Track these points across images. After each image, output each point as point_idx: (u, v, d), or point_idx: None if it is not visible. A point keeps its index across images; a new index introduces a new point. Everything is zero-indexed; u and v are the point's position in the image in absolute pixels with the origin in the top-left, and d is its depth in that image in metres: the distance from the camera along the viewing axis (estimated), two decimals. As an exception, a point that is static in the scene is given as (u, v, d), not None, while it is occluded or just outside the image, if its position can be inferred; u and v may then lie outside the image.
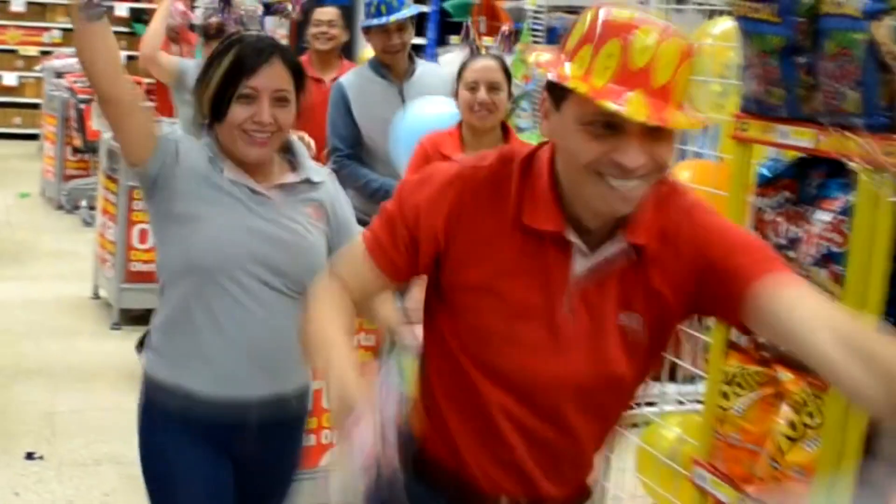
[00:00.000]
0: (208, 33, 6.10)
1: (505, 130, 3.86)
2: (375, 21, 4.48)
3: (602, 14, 1.66)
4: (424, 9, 6.42)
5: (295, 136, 2.65)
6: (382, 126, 4.40)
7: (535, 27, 4.58)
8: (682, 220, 1.79)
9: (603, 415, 1.88)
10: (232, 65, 2.45)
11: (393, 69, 4.54)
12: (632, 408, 1.96)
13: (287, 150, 2.61)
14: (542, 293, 1.78)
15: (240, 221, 2.46)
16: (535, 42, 4.56)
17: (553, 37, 4.57)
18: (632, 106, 1.59)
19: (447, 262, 1.83)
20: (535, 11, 4.58)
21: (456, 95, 3.79)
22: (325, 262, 2.48)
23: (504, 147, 1.90)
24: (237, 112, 2.44)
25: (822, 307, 1.65)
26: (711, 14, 3.77)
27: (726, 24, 3.33)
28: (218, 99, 2.45)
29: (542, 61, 1.75)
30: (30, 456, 4.63)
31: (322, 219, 2.58)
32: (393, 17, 4.44)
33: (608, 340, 1.80)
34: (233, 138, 2.46)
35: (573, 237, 1.77)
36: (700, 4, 3.76)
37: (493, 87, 3.73)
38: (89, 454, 4.71)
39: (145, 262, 6.30)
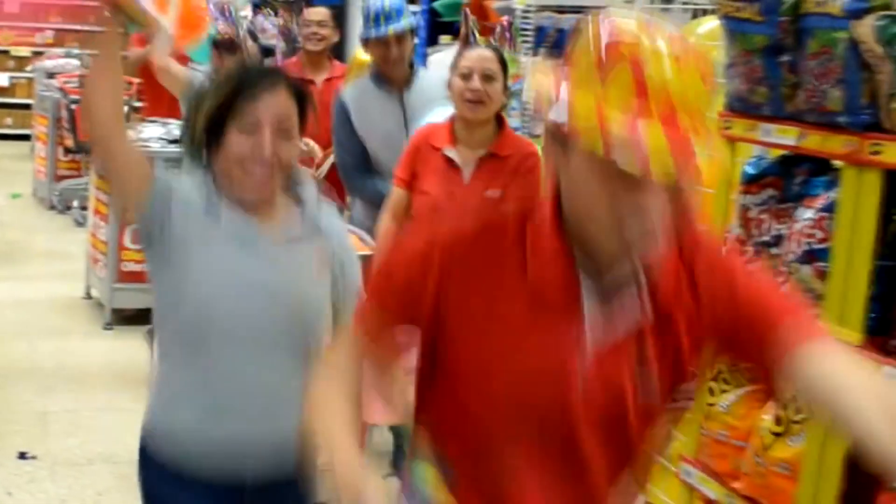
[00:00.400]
0: (222, 46, 6.03)
1: (500, 124, 3.72)
2: (374, 32, 4.39)
3: (604, 31, 1.49)
4: (414, 8, 6.43)
5: (304, 172, 2.48)
6: (385, 137, 4.36)
7: (524, 27, 4.60)
8: (708, 273, 1.67)
9: (618, 458, 1.74)
10: (232, 88, 2.25)
11: (393, 80, 4.44)
12: (652, 451, 1.81)
13: (293, 188, 2.39)
14: (553, 352, 1.64)
15: (236, 274, 2.27)
16: (524, 41, 4.58)
17: (542, 36, 4.59)
18: (656, 156, 1.42)
19: (446, 330, 1.69)
20: (524, 11, 4.59)
21: (449, 86, 3.66)
22: (327, 320, 2.36)
23: (487, 210, 1.76)
24: (236, 143, 2.23)
25: (868, 378, 1.58)
26: (696, 13, 3.81)
27: (711, 24, 3.36)
28: (215, 123, 2.25)
29: (545, 90, 1.55)
30: (22, 455, 4.64)
31: (328, 270, 2.37)
32: (391, 28, 4.34)
33: (623, 394, 1.67)
34: (230, 173, 2.26)
35: (586, 289, 1.62)
36: (686, 4, 3.78)
37: (487, 77, 3.58)
38: (82, 454, 4.72)
39: (137, 262, 6.29)
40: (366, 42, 4.50)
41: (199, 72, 5.98)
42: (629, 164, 1.43)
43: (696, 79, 1.47)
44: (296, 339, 2.31)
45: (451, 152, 3.62)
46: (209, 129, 2.26)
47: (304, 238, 2.34)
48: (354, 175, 4.47)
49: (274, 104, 2.23)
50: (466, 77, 3.58)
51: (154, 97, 7.65)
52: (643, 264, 1.60)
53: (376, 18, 4.38)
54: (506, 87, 3.67)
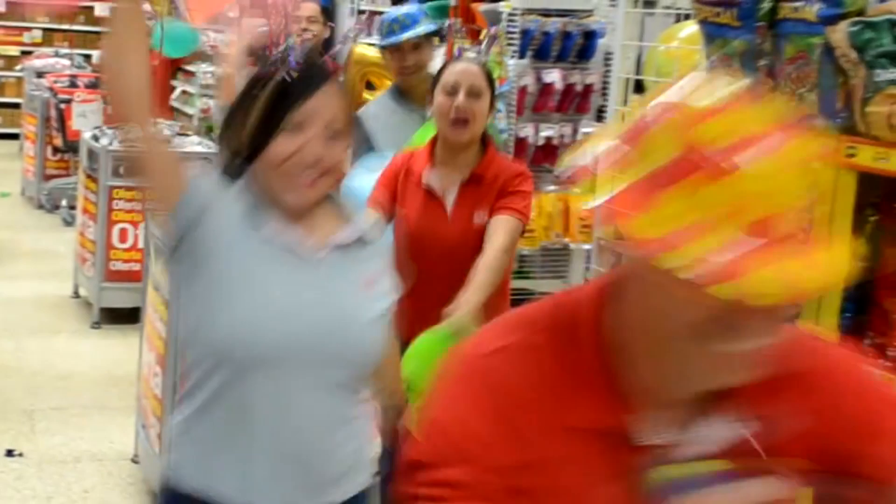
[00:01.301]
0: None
1: (484, 145, 3.37)
2: (390, 40, 4.21)
3: (678, 120, 1.16)
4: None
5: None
6: None
7: (511, 30, 4.63)
8: (813, 379, 1.32)
9: None
10: (276, 91, 2.02)
11: (412, 94, 4.12)
12: None
13: (335, 197, 2.16)
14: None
15: (279, 297, 2.01)
16: (510, 45, 4.61)
17: (527, 39, 4.62)
18: (763, 277, 1.09)
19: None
20: (510, 14, 4.62)
21: (431, 102, 3.35)
22: (380, 347, 2.12)
23: (513, 313, 1.42)
24: (280, 144, 1.99)
25: None
26: (679, 17, 3.85)
27: (693, 28, 3.40)
28: (259, 133, 2.01)
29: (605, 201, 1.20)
30: (10, 453, 4.66)
31: (377, 288, 2.12)
32: (405, 35, 4.16)
33: None
34: (272, 180, 2.02)
35: (642, 433, 1.28)
36: (668, 8, 3.82)
37: (473, 93, 3.26)
38: (69, 451, 4.74)
39: (125, 261, 6.34)
40: (382, 50, 4.35)
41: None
42: (749, 298, 1.11)
43: (796, 174, 1.16)
44: (345, 378, 2.07)
45: (431, 180, 3.33)
46: (255, 134, 2.03)
47: (352, 250, 2.10)
48: None
49: (323, 103, 2.02)
50: (451, 93, 3.27)
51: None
52: (738, 379, 1.24)
53: (390, 26, 4.24)
54: (492, 105, 3.38)
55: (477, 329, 2.54)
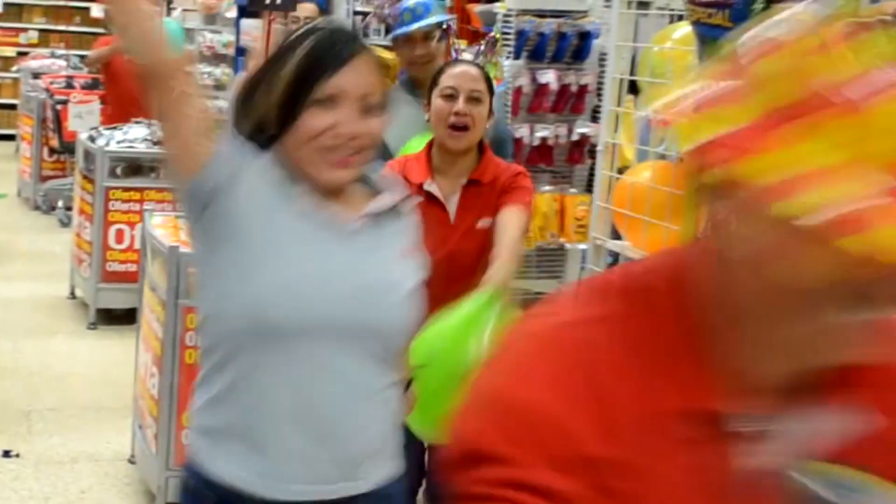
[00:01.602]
0: None
1: (481, 151, 3.30)
2: (401, 30, 4.20)
3: (775, 58, 1.00)
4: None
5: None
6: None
7: (506, 31, 4.65)
8: None
9: None
10: (305, 61, 1.91)
11: (423, 86, 3.84)
12: None
13: (367, 173, 2.08)
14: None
15: (316, 267, 1.93)
16: (505, 45, 4.63)
17: (522, 40, 4.64)
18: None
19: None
20: (506, 15, 4.65)
21: (429, 107, 3.28)
22: (413, 322, 2.06)
23: (583, 284, 1.25)
24: (312, 119, 1.90)
25: None
26: (673, 18, 3.87)
27: (687, 29, 3.42)
28: (287, 105, 1.91)
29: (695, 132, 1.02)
30: (7, 454, 4.66)
31: (410, 261, 2.06)
32: (416, 25, 4.14)
33: None
34: (302, 155, 1.93)
35: (736, 419, 1.09)
36: (662, 9, 3.83)
37: (473, 98, 3.18)
38: (66, 452, 4.74)
39: (122, 262, 6.34)
40: (395, 42, 4.33)
41: None
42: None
43: None
44: (381, 352, 1.99)
45: (431, 187, 3.23)
46: (282, 106, 1.93)
47: (385, 220, 2.04)
48: None
49: (355, 75, 1.93)
50: (450, 97, 3.19)
51: (117, 101, 7.61)
52: (857, 355, 1.06)
53: (401, 16, 4.24)
54: (491, 111, 3.27)
55: (494, 315, 2.52)
